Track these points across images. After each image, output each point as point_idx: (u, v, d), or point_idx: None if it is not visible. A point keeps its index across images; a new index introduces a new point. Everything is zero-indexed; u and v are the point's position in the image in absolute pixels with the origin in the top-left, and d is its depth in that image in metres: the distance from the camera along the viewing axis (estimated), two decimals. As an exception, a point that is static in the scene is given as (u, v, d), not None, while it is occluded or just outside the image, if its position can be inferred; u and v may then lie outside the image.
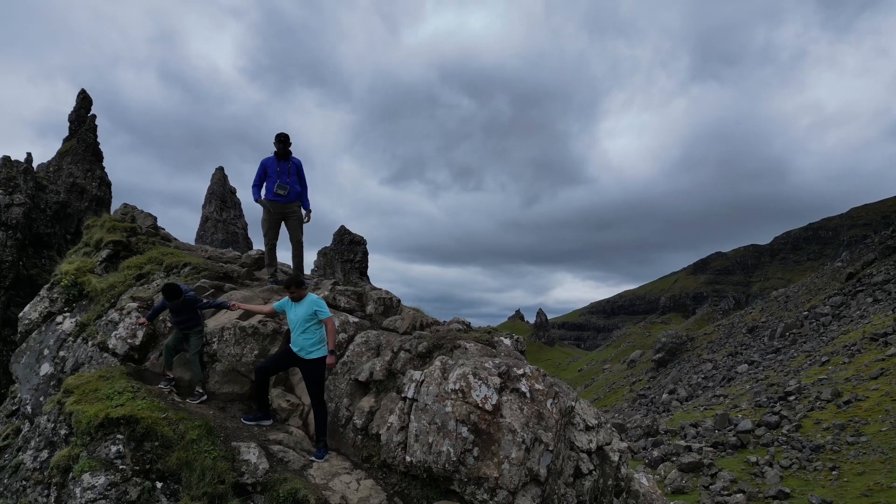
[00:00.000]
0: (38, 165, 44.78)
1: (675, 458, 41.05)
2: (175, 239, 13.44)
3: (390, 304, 10.23)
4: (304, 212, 11.22)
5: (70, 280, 10.65)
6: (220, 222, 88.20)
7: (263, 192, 10.89)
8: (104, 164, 48.58)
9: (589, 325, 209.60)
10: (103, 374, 8.26)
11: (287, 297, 8.42)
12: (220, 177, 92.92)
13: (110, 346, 9.19)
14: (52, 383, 10.02)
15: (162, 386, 8.56)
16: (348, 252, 61.78)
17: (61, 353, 10.18)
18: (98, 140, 48.25)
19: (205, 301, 9.07)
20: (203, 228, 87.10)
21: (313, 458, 7.77)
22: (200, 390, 8.67)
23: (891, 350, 48.77)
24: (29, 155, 41.82)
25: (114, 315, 9.62)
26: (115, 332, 9.28)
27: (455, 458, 7.00)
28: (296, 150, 11.19)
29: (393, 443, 7.61)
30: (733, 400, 53.78)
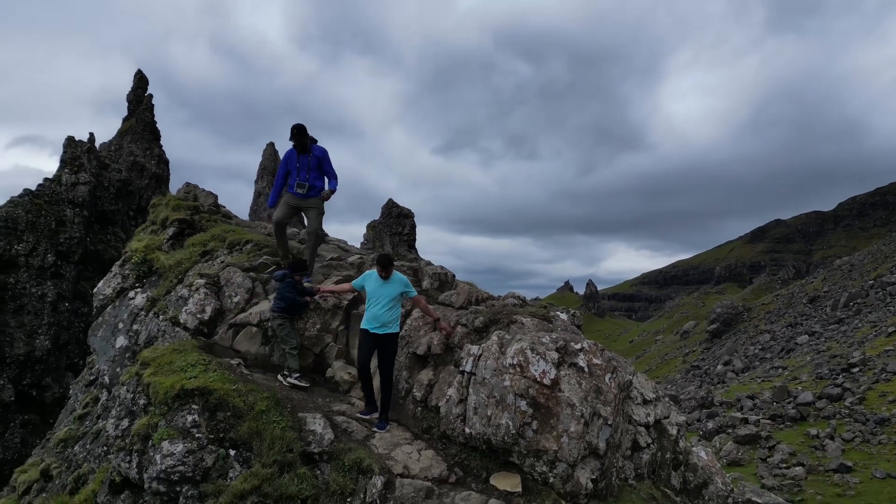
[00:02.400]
0: (100, 145, 46.54)
1: (730, 431, 40.37)
2: (235, 216, 13.87)
3: (445, 280, 10.35)
4: (327, 190, 10.59)
5: (140, 257, 11.16)
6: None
7: (284, 189, 10.53)
8: (161, 141, 50.16)
9: (640, 296, 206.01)
10: (176, 347, 8.68)
11: (369, 273, 8.61)
12: (270, 152, 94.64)
13: (181, 321, 9.64)
14: (127, 355, 10.59)
15: (284, 379, 8.80)
16: (396, 225, 62.27)
17: (135, 327, 10.72)
18: (155, 119, 49.77)
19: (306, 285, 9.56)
20: (256, 203, 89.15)
21: (376, 429, 8.02)
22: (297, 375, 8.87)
23: (964, 321, 46.37)
24: (91, 135, 43.51)
25: (183, 291, 10.06)
26: (185, 308, 9.72)
27: (514, 431, 7.11)
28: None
29: (452, 415, 7.77)
30: (793, 372, 52.32)
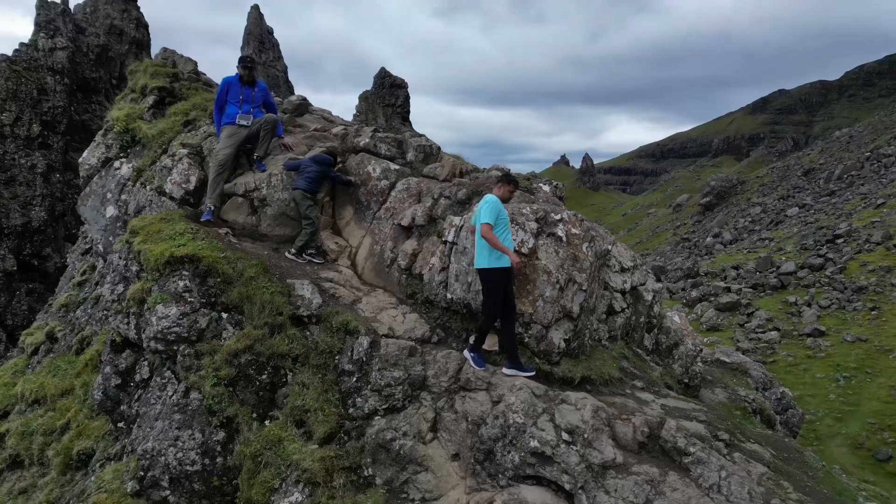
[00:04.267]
0: (75, 7, 43.94)
1: (712, 299, 42.02)
2: (216, 84, 13.46)
3: (430, 152, 10.30)
4: (276, 139, 10.24)
5: (122, 126, 11.00)
6: (260, 65, 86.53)
7: (223, 119, 9.85)
8: (140, 1, 47.38)
9: (636, 170, 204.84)
10: (164, 216, 8.83)
11: (496, 201, 7.24)
12: (256, 16, 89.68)
13: (167, 191, 9.71)
14: (118, 224, 10.77)
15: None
16: (389, 96, 60.50)
17: (123, 197, 10.81)
18: (129, -24, 46.64)
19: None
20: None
21: (466, 356, 7.33)
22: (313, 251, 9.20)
23: (954, 193, 46.75)
24: (64, -5, 41.01)
25: (167, 161, 10.04)
26: (169, 178, 9.75)
27: (493, 296, 7.45)
28: None
29: (435, 282, 8.10)
30: (779, 243, 53.52)
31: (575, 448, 6.03)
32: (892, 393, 29.23)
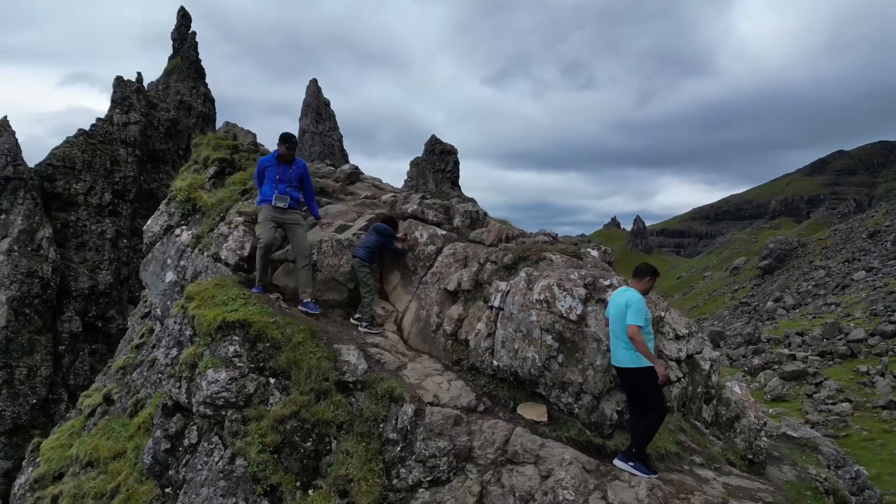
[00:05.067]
0: (148, 84, 47.29)
1: (776, 367, 39.92)
2: (274, 154, 14.11)
3: (477, 217, 10.39)
4: (311, 219, 10.19)
5: (184, 196, 11.55)
6: (317, 135, 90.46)
7: (260, 197, 9.67)
8: (207, 78, 50.67)
9: (690, 232, 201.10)
10: (218, 282, 9.10)
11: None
12: (314, 88, 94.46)
13: (222, 257, 10.04)
14: (176, 289, 11.15)
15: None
16: (439, 162, 61.90)
17: (182, 263, 11.23)
18: (199, 56, 50.10)
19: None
20: (301, 141, 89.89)
21: (627, 468, 6.61)
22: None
23: None
24: (139, 75, 44.20)
25: (223, 228, 10.43)
26: (225, 245, 10.11)
27: (540, 364, 7.28)
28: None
29: (481, 348, 7.98)
30: (846, 308, 50.87)
31: (629, 529, 5.68)
32: (984, 473, 26.71)
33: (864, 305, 48.88)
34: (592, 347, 7.18)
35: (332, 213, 10.50)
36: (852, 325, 43.52)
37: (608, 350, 7.13)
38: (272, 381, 7.87)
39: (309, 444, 7.31)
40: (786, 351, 42.75)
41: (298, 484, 7.20)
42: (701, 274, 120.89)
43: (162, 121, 45.00)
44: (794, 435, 12.59)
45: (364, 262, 9.32)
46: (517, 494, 6.38)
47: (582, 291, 7.43)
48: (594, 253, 9.19)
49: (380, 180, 12.74)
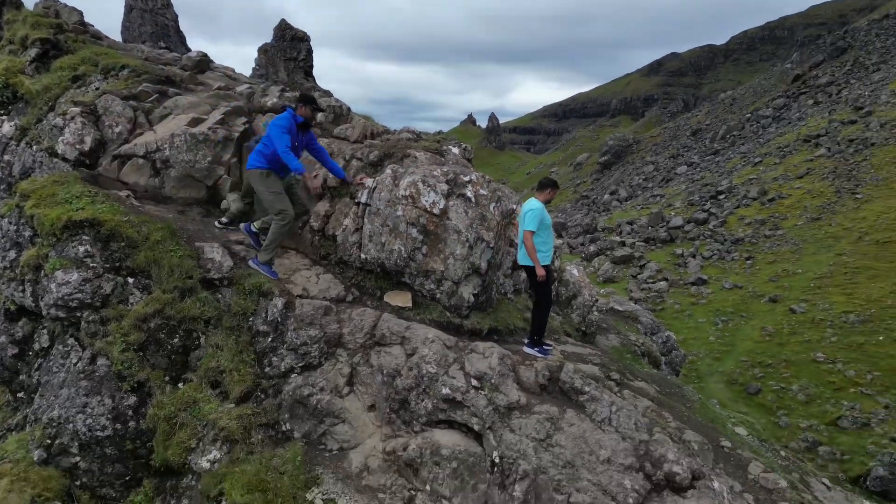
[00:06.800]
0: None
1: (609, 252, 44.52)
2: (106, 37, 12.61)
3: (340, 113, 10.30)
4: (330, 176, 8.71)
5: (1, 81, 10.16)
6: (147, 12, 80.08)
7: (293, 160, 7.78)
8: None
9: (540, 129, 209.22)
10: (57, 178, 8.38)
11: (537, 206, 7.72)
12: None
13: (59, 152, 9.16)
14: (1, 187, 10.08)
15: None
16: (291, 49, 58.07)
17: (6, 157, 10.09)
18: None
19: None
20: (128, 20, 79.21)
21: (529, 351, 7.73)
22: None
23: (820, 151, 51.54)
24: None
25: (57, 120, 9.43)
26: (61, 138, 9.19)
27: (406, 255, 7.75)
28: None
29: (348, 242, 8.27)
30: (669, 199, 57.16)
31: (483, 393, 6.53)
32: (763, 334, 32.58)
33: (684, 196, 55.19)
34: (453, 238, 7.75)
35: (183, 105, 9.84)
36: (673, 213, 49.21)
37: (467, 240, 7.75)
38: (130, 280, 7.64)
39: (176, 340, 7.34)
40: (617, 238, 47.67)
41: (167, 378, 7.28)
42: (548, 170, 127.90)
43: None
44: (620, 309, 14.55)
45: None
46: (385, 371, 7.00)
47: (444, 187, 7.88)
48: (455, 150, 9.61)
49: (232, 70, 12.00)
